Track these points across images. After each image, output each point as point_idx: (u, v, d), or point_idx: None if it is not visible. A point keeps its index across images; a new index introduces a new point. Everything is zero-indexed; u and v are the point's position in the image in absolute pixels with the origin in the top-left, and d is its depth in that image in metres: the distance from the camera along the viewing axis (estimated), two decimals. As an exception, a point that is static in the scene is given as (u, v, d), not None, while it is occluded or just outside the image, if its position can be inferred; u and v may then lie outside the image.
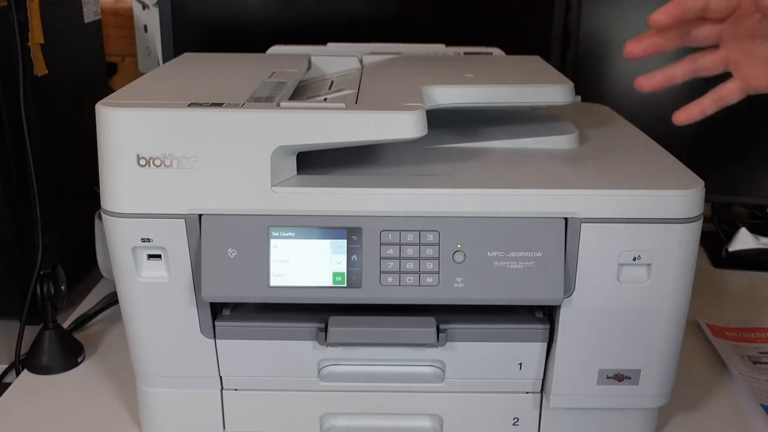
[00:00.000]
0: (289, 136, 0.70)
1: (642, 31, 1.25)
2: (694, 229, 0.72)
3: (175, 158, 0.70)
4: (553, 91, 0.81)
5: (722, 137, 1.26)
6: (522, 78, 0.87)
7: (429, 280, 0.72)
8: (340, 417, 0.82)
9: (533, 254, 0.72)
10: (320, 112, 0.70)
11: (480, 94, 0.80)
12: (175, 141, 0.69)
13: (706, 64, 0.71)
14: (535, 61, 0.97)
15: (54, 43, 1.06)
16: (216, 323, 0.77)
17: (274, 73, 0.86)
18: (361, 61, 1.00)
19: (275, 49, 1.07)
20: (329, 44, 1.07)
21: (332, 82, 0.94)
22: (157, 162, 0.70)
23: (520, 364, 0.78)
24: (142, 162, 0.69)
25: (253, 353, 0.78)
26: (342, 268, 0.73)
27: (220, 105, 0.70)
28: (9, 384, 0.95)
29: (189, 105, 0.70)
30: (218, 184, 0.71)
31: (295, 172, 0.74)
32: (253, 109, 0.70)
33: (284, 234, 0.72)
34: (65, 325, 1.03)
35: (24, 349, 0.98)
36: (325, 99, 0.84)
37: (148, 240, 0.72)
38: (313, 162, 0.75)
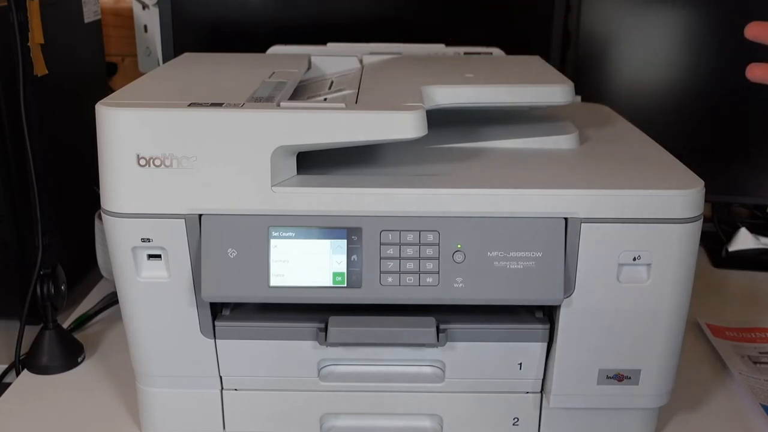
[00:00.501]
0: (289, 136, 0.70)
1: (641, 31, 1.25)
2: (694, 229, 0.72)
3: (175, 158, 0.70)
4: (553, 91, 0.81)
5: (722, 137, 1.26)
6: (522, 78, 0.86)
7: (429, 280, 0.72)
8: (340, 417, 0.82)
9: (533, 254, 0.72)
10: (320, 112, 0.70)
11: (480, 94, 0.80)
12: (175, 141, 0.69)
13: None
14: (535, 61, 0.97)
15: (54, 43, 1.06)
16: (216, 323, 0.77)
17: (274, 73, 0.86)
18: (361, 61, 1.00)
19: (275, 49, 1.07)
20: (329, 44, 1.07)
21: (332, 82, 0.94)
22: (157, 162, 0.70)
23: (520, 364, 0.78)
24: (142, 162, 0.69)
25: (253, 353, 0.78)
26: (342, 268, 0.73)
27: (220, 105, 0.70)
28: (9, 384, 0.95)
29: (189, 105, 0.70)
30: (218, 184, 0.71)
31: (295, 172, 0.74)
32: (253, 109, 0.70)
33: (284, 234, 0.72)
34: (65, 325, 1.03)
35: (24, 349, 0.98)
36: (325, 99, 0.84)
37: (148, 240, 0.72)
38: (313, 162, 0.75)
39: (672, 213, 0.71)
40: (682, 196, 0.71)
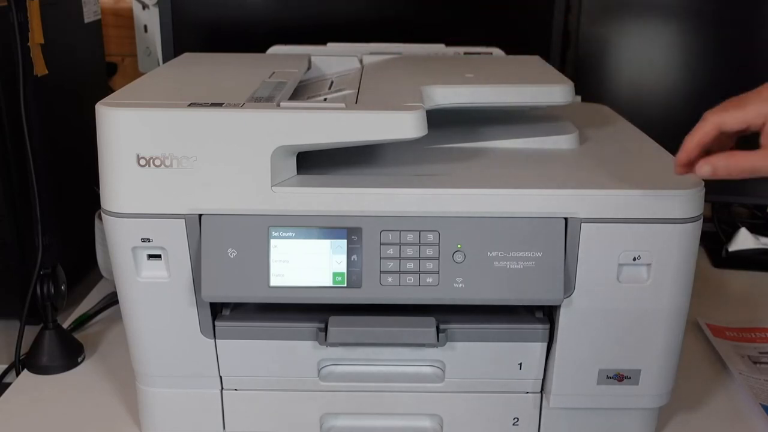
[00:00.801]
0: (289, 136, 0.70)
1: (641, 31, 1.25)
2: (694, 229, 0.72)
3: (175, 158, 0.70)
4: (553, 91, 0.81)
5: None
6: (522, 78, 0.86)
7: (429, 280, 0.72)
8: (340, 417, 0.82)
9: (533, 254, 0.72)
10: (320, 112, 0.70)
11: (480, 94, 0.80)
12: (175, 141, 0.69)
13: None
14: (535, 61, 0.97)
15: (54, 43, 1.06)
16: (216, 323, 0.77)
17: (274, 73, 0.86)
18: (361, 61, 1.00)
19: (275, 49, 1.07)
20: (329, 44, 1.07)
21: (332, 82, 0.94)
22: (157, 162, 0.70)
23: (520, 364, 0.78)
24: (142, 162, 0.69)
25: (253, 353, 0.78)
26: (342, 268, 0.73)
27: (220, 105, 0.70)
28: (9, 384, 0.95)
29: (189, 105, 0.70)
30: (218, 184, 0.71)
31: (295, 172, 0.74)
32: (253, 109, 0.70)
33: (284, 234, 0.72)
34: (65, 325, 1.03)
35: (24, 349, 0.98)
36: (325, 99, 0.84)
37: (148, 240, 0.72)
38: (313, 162, 0.75)
39: (672, 213, 0.71)
40: (682, 196, 0.71)
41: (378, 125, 0.70)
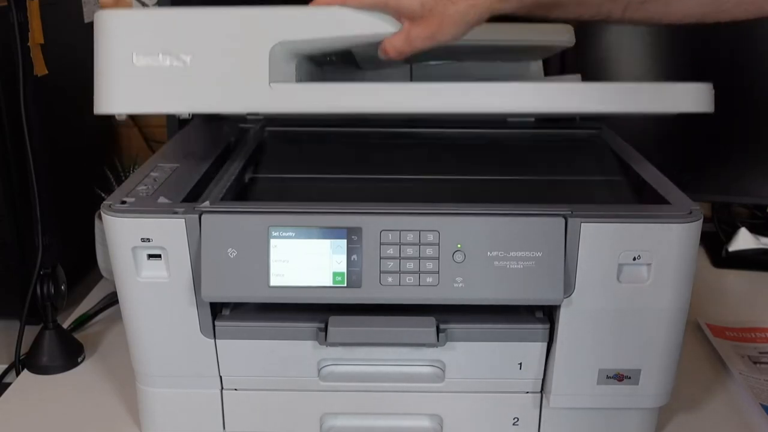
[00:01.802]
0: (287, 31, 0.69)
1: (642, 31, 1.24)
2: (695, 229, 0.72)
3: (173, 57, 0.68)
4: (555, 29, 0.82)
5: (723, 137, 1.26)
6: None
7: (429, 280, 0.72)
8: (340, 417, 0.82)
9: (533, 254, 0.72)
10: (317, 7, 0.69)
11: (484, 31, 0.78)
12: (171, 40, 0.68)
13: None
14: None
15: (54, 43, 1.06)
16: (216, 323, 0.77)
17: None
18: None
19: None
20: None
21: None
22: (154, 61, 0.68)
23: (520, 364, 0.78)
24: (139, 62, 0.68)
25: (253, 353, 0.78)
26: (342, 268, 0.73)
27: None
28: (9, 384, 0.95)
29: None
30: (216, 82, 0.69)
31: (294, 79, 0.73)
32: (251, 6, 0.69)
33: (284, 234, 0.72)
34: (65, 325, 1.03)
35: (24, 349, 0.98)
36: None
37: (148, 240, 0.72)
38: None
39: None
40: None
41: (375, 18, 0.69)
